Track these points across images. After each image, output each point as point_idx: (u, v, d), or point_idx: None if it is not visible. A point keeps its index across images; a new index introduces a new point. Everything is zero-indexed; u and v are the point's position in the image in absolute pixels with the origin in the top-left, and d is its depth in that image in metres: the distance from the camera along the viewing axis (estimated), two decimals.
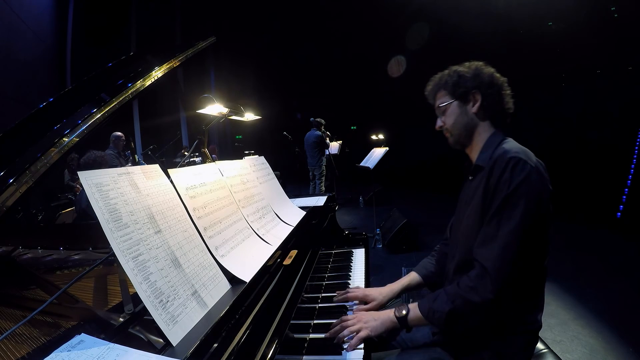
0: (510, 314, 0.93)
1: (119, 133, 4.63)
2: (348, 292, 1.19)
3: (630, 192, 4.96)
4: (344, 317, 1.01)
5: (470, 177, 1.07)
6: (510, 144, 0.97)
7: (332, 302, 1.20)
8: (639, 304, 2.46)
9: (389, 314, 0.99)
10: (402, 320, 0.97)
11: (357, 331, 0.95)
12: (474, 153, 1.06)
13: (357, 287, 1.24)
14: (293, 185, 6.97)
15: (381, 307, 1.17)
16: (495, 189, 0.90)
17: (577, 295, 2.58)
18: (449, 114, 1.06)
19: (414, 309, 0.97)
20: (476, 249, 0.92)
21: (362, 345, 0.94)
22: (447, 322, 0.90)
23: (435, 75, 1.12)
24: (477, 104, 1.03)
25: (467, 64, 1.07)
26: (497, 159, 0.92)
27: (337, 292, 1.20)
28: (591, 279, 2.86)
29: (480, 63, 1.06)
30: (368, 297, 1.17)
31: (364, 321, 0.98)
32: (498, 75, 1.05)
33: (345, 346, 0.93)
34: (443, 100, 1.07)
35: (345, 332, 0.95)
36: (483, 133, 1.05)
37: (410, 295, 2.30)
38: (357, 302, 1.18)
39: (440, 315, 0.91)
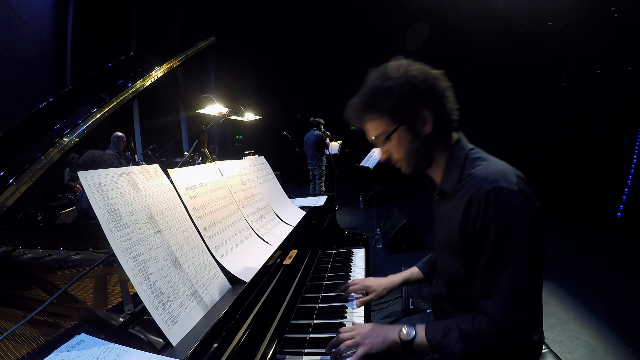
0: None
1: (120, 133, 4.63)
2: (348, 286, 1.21)
3: (630, 192, 4.96)
4: (341, 329, 0.92)
5: (437, 197, 0.97)
6: (482, 166, 0.82)
7: (332, 302, 1.20)
8: (639, 304, 2.46)
9: (392, 334, 0.88)
10: (407, 344, 0.86)
11: (356, 346, 0.87)
12: (437, 174, 0.93)
13: (358, 279, 1.25)
14: (293, 185, 6.97)
15: (382, 297, 1.19)
16: (481, 231, 0.77)
17: (577, 295, 2.57)
18: (396, 143, 0.88)
19: (420, 335, 0.85)
20: (478, 301, 0.80)
21: None
22: None
23: (358, 94, 0.89)
24: (429, 124, 0.85)
25: (387, 68, 0.86)
26: (472, 193, 0.78)
27: (337, 288, 1.22)
28: (591, 279, 2.85)
29: (404, 63, 0.86)
30: (369, 289, 1.19)
31: (364, 336, 0.88)
32: (432, 72, 0.85)
33: None
34: (383, 130, 0.87)
35: (342, 347, 0.87)
36: (443, 150, 0.90)
37: (409, 293, 2.30)
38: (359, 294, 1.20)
39: (450, 353, 0.80)
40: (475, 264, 0.81)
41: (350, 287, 1.20)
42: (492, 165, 0.82)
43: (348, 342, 0.88)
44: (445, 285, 0.96)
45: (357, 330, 0.90)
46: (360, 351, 0.86)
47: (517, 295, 0.75)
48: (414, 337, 0.85)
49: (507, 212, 0.74)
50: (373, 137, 0.92)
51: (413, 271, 1.26)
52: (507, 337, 0.76)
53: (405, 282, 1.25)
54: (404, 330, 0.87)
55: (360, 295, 1.19)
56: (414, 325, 0.88)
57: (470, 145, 0.91)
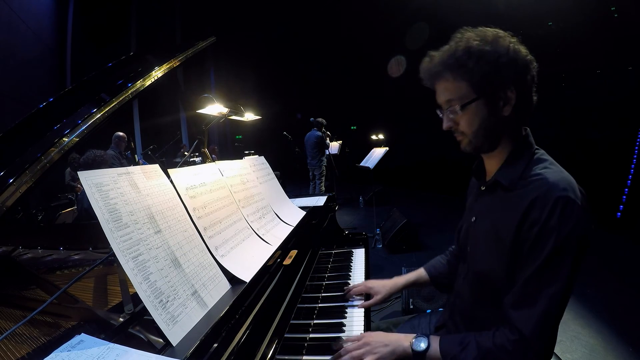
0: None
1: (121, 133, 4.64)
2: (351, 288, 1.19)
3: (630, 192, 4.96)
4: (348, 338, 0.88)
5: (483, 187, 0.91)
6: (553, 170, 0.76)
7: (332, 302, 1.20)
8: (639, 304, 2.46)
9: (402, 343, 0.83)
10: (419, 355, 0.80)
11: (363, 356, 0.82)
12: (494, 162, 0.86)
13: (361, 282, 1.21)
14: (293, 185, 6.97)
15: (385, 301, 1.16)
16: (539, 237, 0.71)
17: (577, 295, 2.58)
18: (470, 115, 0.79)
19: (435, 347, 0.80)
20: (511, 309, 0.75)
21: None
22: None
23: (443, 48, 0.80)
24: (511, 105, 0.77)
25: (488, 34, 0.76)
26: (539, 194, 0.72)
27: (340, 290, 1.20)
28: (591, 279, 2.86)
29: (510, 37, 0.77)
30: (372, 291, 1.16)
31: (372, 347, 0.83)
32: (530, 57, 0.78)
33: None
34: (461, 96, 0.78)
35: (348, 357, 0.82)
36: (510, 139, 0.82)
37: (410, 293, 2.30)
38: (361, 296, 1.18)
39: None
40: (517, 269, 0.75)
41: (353, 290, 1.17)
42: (563, 173, 0.76)
43: (355, 353, 0.83)
44: (471, 283, 0.91)
45: (364, 340, 0.85)
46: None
47: (552, 315, 0.72)
48: (427, 349, 0.80)
49: (571, 225, 0.70)
50: (444, 100, 0.82)
51: (419, 274, 1.21)
52: (526, 355, 0.72)
53: (411, 285, 1.21)
54: (417, 340, 0.82)
55: (362, 298, 1.17)
56: (427, 336, 0.83)
57: (535, 145, 0.84)
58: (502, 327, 0.76)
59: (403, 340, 0.84)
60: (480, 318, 0.89)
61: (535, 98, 0.81)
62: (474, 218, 0.93)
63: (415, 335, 0.83)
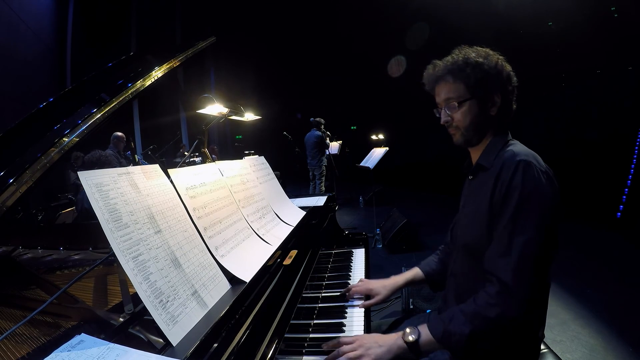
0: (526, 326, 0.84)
1: (120, 133, 4.64)
2: (351, 288, 1.19)
3: (630, 192, 4.97)
4: (342, 340, 0.89)
5: (470, 177, 1.04)
6: (519, 147, 0.92)
7: (332, 302, 1.20)
8: (639, 304, 2.46)
9: (395, 340, 0.86)
10: (413, 346, 0.84)
11: (358, 358, 0.83)
12: (478, 153, 1.00)
13: (360, 281, 1.23)
14: (293, 185, 6.97)
15: (385, 300, 1.18)
16: (506, 194, 0.83)
17: (577, 295, 2.58)
18: (465, 112, 0.95)
19: (425, 332, 0.84)
20: (490, 262, 0.83)
21: None
22: (468, 346, 0.79)
23: (446, 58, 0.98)
24: (497, 107, 0.95)
25: (482, 51, 0.96)
26: (505, 160, 0.87)
27: (346, 291, 1.20)
28: (591, 279, 2.86)
29: (498, 55, 0.96)
30: (372, 292, 1.17)
31: (366, 347, 0.85)
32: (513, 73, 0.97)
33: None
34: (458, 95, 0.95)
35: (343, 358, 0.84)
36: (492, 134, 0.99)
37: (409, 293, 2.30)
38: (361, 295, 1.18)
39: (458, 339, 0.79)
40: (494, 229, 0.86)
41: (353, 289, 1.19)
42: (528, 149, 0.91)
43: (350, 355, 0.84)
44: (462, 258, 0.99)
45: (358, 342, 0.87)
46: None
47: (527, 261, 0.78)
48: (419, 336, 0.84)
49: (531, 183, 0.81)
50: (444, 99, 0.98)
51: (416, 272, 1.25)
52: (509, 303, 0.77)
53: (409, 284, 1.24)
54: (408, 332, 0.86)
55: (362, 297, 1.18)
56: (416, 327, 0.87)
57: (513, 139, 0.99)
58: (481, 290, 0.83)
59: (396, 338, 0.87)
60: (471, 290, 0.90)
61: (514, 106, 0.99)
62: (463, 204, 1.06)
63: (404, 330, 0.87)
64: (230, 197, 1.17)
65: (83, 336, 0.58)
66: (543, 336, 0.95)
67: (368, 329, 1.06)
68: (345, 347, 0.86)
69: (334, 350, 0.87)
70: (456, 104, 0.95)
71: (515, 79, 0.97)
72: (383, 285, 1.19)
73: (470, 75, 0.93)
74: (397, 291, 1.22)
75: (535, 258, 0.79)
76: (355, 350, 0.84)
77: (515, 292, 0.77)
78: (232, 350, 0.63)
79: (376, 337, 0.89)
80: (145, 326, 0.72)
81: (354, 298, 1.18)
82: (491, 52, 0.97)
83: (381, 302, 1.18)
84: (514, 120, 1.01)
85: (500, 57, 0.97)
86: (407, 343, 0.84)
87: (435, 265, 1.24)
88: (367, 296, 1.18)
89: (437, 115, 1.02)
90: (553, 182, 0.84)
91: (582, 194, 5.09)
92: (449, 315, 0.84)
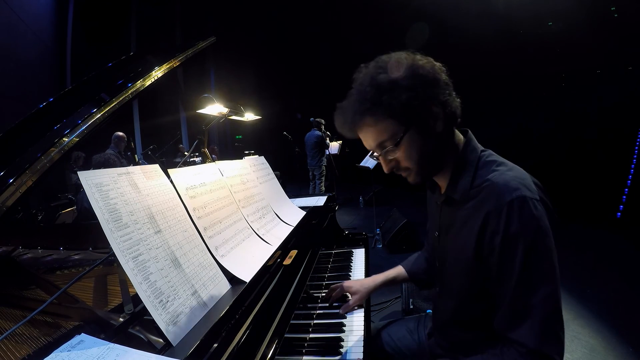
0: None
1: (121, 133, 4.64)
2: (331, 291, 1.17)
3: (630, 192, 4.97)
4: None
5: (438, 202, 0.87)
6: (500, 171, 0.72)
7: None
8: (639, 304, 2.46)
9: None
10: None
11: None
12: (442, 177, 0.83)
13: (339, 284, 1.18)
14: (293, 185, 6.96)
15: (363, 299, 1.14)
16: (505, 247, 0.68)
17: (577, 295, 2.58)
18: (408, 148, 0.74)
19: None
20: (508, 332, 0.70)
21: (361, 346, 0.94)
22: None
23: (350, 94, 0.76)
24: (441, 119, 0.74)
25: (387, 62, 0.73)
26: (492, 197, 0.69)
27: (333, 291, 1.18)
28: (591, 279, 2.86)
29: (403, 54, 0.75)
30: (350, 290, 1.15)
31: None
32: (438, 65, 0.75)
33: None
34: (392, 133, 0.73)
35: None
36: (451, 151, 0.79)
37: (409, 293, 2.30)
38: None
39: None
40: (495, 285, 0.71)
41: (333, 294, 1.16)
42: (511, 171, 0.73)
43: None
44: (454, 303, 0.86)
45: None
46: None
47: (552, 316, 0.68)
48: None
49: (534, 225, 0.66)
50: (376, 144, 0.77)
51: (398, 271, 1.22)
52: None
53: (390, 282, 1.21)
54: None
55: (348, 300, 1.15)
56: None
57: (481, 147, 0.80)
58: (509, 345, 0.71)
59: None
60: (463, 340, 0.87)
61: (458, 100, 0.77)
62: (437, 233, 0.90)
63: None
64: (230, 197, 1.17)
65: (83, 336, 0.58)
66: None
67: (368, 329, 1.06)
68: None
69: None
70: (392, 147, 0.75)
71: (439, 67, 0.76)
72: (361, 284, 1.16)
73: (392, 104, 0.70)
74: (378, 289, 1.17)
75: (558, 307, 0.68)
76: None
77: (547, 352, 0.66)
78: (232, 350, 0.63)
79: None
80: (145, 326, 0.72)
81: (337, 302, 1.16)
82: (397, 56, 0.75)
83: (360, 302, 1.14)
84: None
85: (411, 56, 0.75)
86: None
87: (421, 265, 1.22)
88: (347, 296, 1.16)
89: (376, 161, 0.83)
90: (547, 206, 0.70)
91: (582, 194, 5.09)
92: None
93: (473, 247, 0.73)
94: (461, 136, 0.82)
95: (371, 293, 1.17)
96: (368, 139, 0.78)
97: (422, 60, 0.74)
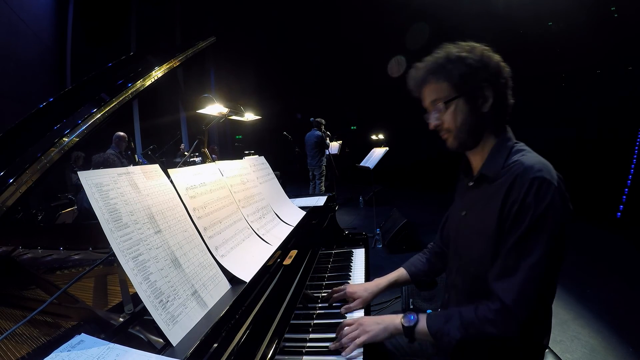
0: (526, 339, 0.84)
1: (122, 133, 4.64)
2: (333, 293, 1.17)
3: (630, 192, 4.97)
4: (344, 322, 0.96)
5: (470, 184, 0.96)
6: (529, 156, 0.83)
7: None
8: (639, 304, 2.46)
9: (394, 321, 0.91)
10: (408, 331, 0.88)
11: (358, 336, 0.90)
12: (478, 158, 0.92)
13: (343, 286, 1.20)
14: (293, 185, 6.97)
15: (366, 303, 1.15)
16: (517, 214, 0.78)
17: (577, 295, 2.57)
18: (453, 112, 0.87)
19: (422, 322, 0.87)
20: (494, 280, 0.81)
21: (361, 350, 0.94)
22: (456, 350, 0.81)
23: (426, 58, 0.91)
24: (490, 102, 0.86)
25: (465, 45, 0.88)
26: (517, 175, 0.80)
27: (334, 291, 1.18)
28: (591, 279, 2.85)
29: (483, 46, 0.88)
30: (353, 295, 1.15)
31: (365, 326, 0.91)
32: (504, 63, 0.89)
33: (343, 353, 0.89)
34: (444, 95, 0.88)
35: (345, 339, 0.90)
36: (491, 135, 0.90)
37: (409, 293, 2.30)
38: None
39: (449, 340, 0.82)
40: (500, 247, 0.81)
41: (335, 295, 1.16)
42: (538, 157, 0.84)
43: (351, 334, 0.90)
44: (465, 272, 0.94)
45: (359, 322, 0.93)
46: (361, 339, 0.89)
47: (531, 284, 0.76)
48: (416, 324, 0.88)
49: (545, 203, 0.75)
50: (430, 101, 0.91)
51: (400, 273, 1.22)
52: (509, 324, 0.76)
53: (393, 285, 1.21)
54: (406, 317, 0.90)
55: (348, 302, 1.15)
56: (416, 313, 0.90)
57: (515, 140, 0.91)
58: (485, 301, 0.81)
59: (394, 318, 0.92)
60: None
61: (512, 101, 0.90)
62: (465, 212, 0.97)
63: (405, 314, 0.91)
64: (230, 197, 1.17)
65: (83, 336, 0.58)
66: (547, 344, 0.93)
67: None
68: (346, 329, 0.93)
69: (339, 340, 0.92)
70: (442, 105, 0.88)
71: (507, 69, 0.89)
72: (364, 288, 1.16)
73: (452, 72, 0.85)
74: (381, 293, 1.19)
75: (540, 281, 0.76)
76: (355, 330, 0.91)
77: (515, 315, 0.76)
78: (232, 350, 0.63)
79: (375, 317, 0.95)
80: (145, 326, 0.72)
81: (338, 302, 1.16)
82: (476, 45, 0.88)
83: (362, 306, 1.15)
84: (513, 120, 0.95)
85: (486, 48, 0.88)
86: (404, 326, 0.89)
87: (421, 265, 1.23)
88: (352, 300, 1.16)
89: (427, 120, 0.94)
90: (564, 196, 0.78)
91: (582, 194, 5.09)
92: (448, 314, 0.86)
93: (497, 216, 0.82)
94: (503, 128, 0.92)
95: (375, 297, 1.17)
96: (427, 96, 0.92)
97: (492, 54, 0.88)
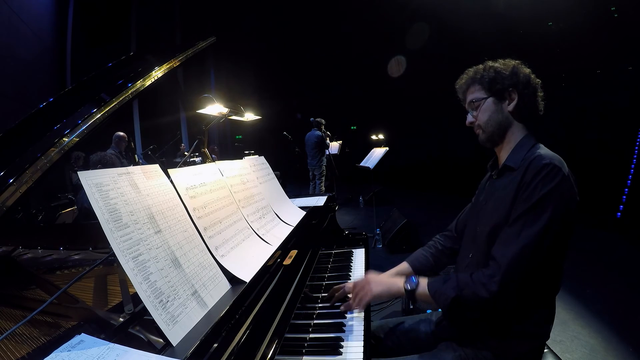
0: (519, 318, 0.93)
1: (122, 133, 4.64)
2: (334, 292, 1.18)
3: (630, 192, 4.97)
4: (354, 282, 1.10)
5: (494, 176, 1.07)
6: (545, 150, 0.95)
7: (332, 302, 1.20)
8: (639, 304, 2.46)
9: (397, 284, 1.02)
10: (410, 293, 0.99)
11: (363, 296, 1.04)
12: (504, 152, 1.05)
13: (345, 284, 1.20)
14: (293, 185, 6.97)
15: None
16: (525, 191, 0.89)
17: (577, 295, 2.58)
18: (483, 110, 1.03)
19: (423, 285, 0.98)
20: (495, 247, 0.92)
21: (361, 346, 0.94)
22: (450, 308, 0.91)
23: (469, 69, 1.09)
24: (514, 103, 1.00)
25: (502, 61, 1.05)
26: (531, 161, 0.91)
27: (335, 289, 1.19)
28: (591, 279, 2.86)
29: (518, 62, 1.05)
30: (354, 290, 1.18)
31: (372, 284, 1.04)
32: (534, 76, 1.03)
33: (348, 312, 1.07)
34: (477, 96, 1.04)
35: (352, 301, 1.05)
36: (516, 133, 1.03)
37: None
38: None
39: (445, 299, 0.92)
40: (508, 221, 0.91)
41: (336, 295, 1.17)
42: (554, 153, 0.94)
43: (359, 293, 1.04)
44: (477, 263, 1.02)
45: (367, 279, 1.08)
46: (365, 298, 1.03)
47: (526, 252, 0.84)
48: (417, 287, 0.98)
49: (552, 183, 0.85)
50: (469, 102, 1.07)
51: (403, 267, 1.25)
52: (497, 286, 0.85)
53: None
54: (409, 280, 1.00)
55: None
56: (417, 277, 1.01)
57: (539, 143, 1.02)
58: (483, 268, 0.91)
59: (398, 281, 1.03)
60: None
61: (540, 106, 1.02)
62: (486, 201, 1.08)
63: (407, 277, 1.02)
64: (230, 197, 1.17)
65: (83, 336, 0.58)
66: (548, 336, 0.96)
67: (368, 328, 1.06)
68: (349, 285, 1.09)
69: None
70: (476, 104, 1.04)
71: (537, 81, 1.02)
72: None
73: (485, 78, 1.02)
74: None
75: (536, 250, 0.84)
76: (362, 290, 1.05)
77: (503, 272, 0.85)
78: (232, 350, 0.63)
79: (380, 277, 1.09)
80: (145, 326, 0.72)
81: (339, 302, 1.16)
82: (512, 61, 1.04)
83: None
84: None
85: (520, 63, 1.03)
86: (407, 290, 0.99)
87: (425, 260, 1.25)
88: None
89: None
90: (572, 186, 0.88)
91: (582, 194, 5.09)
92: (447, 277, 0.96)
93: (511, 197, 0.92)
94: (530, 130, 1.04)
95: None
96: (468, 98, 1.08)
97: (523, 67, 1.03)
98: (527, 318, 0.93)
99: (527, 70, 1.03)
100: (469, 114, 1.08)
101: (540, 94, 1.03)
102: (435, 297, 0.94)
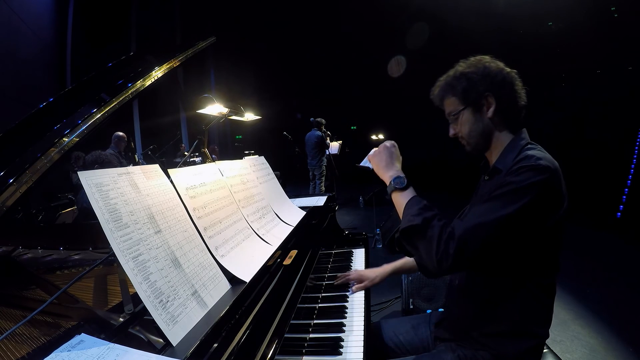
0: (516, 318, 0.91)
1: (121, 133, 4.63)
2: (347, 275, 1.37)
3: (630, 192, 4.97)
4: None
5: (486, 177, 1.04)
6: (538, 151, 0.90)
7: (332, 302, 1.20)
8: (639, 304, 2.46)
9: (389, 172, 1.03)
10: (391, 190, 1.00)
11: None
12: (494, 156, 1.01)
13: (355, 270, 1.41)
14: (293, 185, 6.96)
15: (374, 284, 1.34)
16: (508, 177, 0.85)
17: (577, 295, 2.58)
18: (463, 122, 0.98)
19: (406, 194, 0.96)
20: (456, 219, 0.89)
21: (361, 346, 0.94)
22: (404, 231, 0.90)
23: (440, 78, 1.03)
24: (492, 109, 0.95)
25: (472, 60, 0.99)
26: (519, 161, 0.87)
27: (338, 276, 1.38)
28: (591, 279, 2.86)
29: (487, 58, 0.98)
30: (362, 277, 1.34)
31: (379, 163, 1.08)
32: (507, 69, 0.97)
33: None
34: (454, 109, 0.99)
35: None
36: (503, 136, 0.98)
37: (410, 293, 2.30)
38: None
39: (409, 220, 0.89)
40: None
41: (345, 278, 1.35)
42: (545, 154, 0.90)
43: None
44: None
45: (384, 144, 1.12)
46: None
47: (484, 228, 0.80)
48: (401, 190, 0.97)
49: (531, 181, 0.81)
50: (447, 114, 1.03)
51: (405, 261, 1.35)
52: (448, 249, 0.80)
53: (398, 271, 1.38)
54: (399, 179, 0.99)
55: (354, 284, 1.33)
56: (408, 185, 0.99)
57: (529, 140, 0.98)
58: (449, 226, 0.86)
59: (392, 174, 1.02)
60: (475, 290, 0.98)
61: (522, 103, 0.98)
62: (475, 201, 1.07)
63: (399, 176, 1.00)
64: (230, 197, 1.17)
65: (83, 336, 0.58)
66: (547, 336, 0.96)
67: (368, 328, 1.06)
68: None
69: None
70: (454, 117, 1.00)
71: (512, 74, 0.96)
72: (373, 272, 1.36)
73: (457, 88, 0.97)
74: (387, 277, 1.37)
75: (496, 232, 0.80)
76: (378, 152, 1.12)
77: (457, 244, 0.79)
78: (232, 350, 0.63)
79: (388, 161, 1.07)
80: (145, 326, 0.72)
81: (351, 287, 1.32)
82: (483, 58, 0.98)
83: (371, 285, 1.34)
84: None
85: (490, 60, 0.97)
86: (391, 183, 1.00)
87: None
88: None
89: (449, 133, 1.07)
90: (557, 188, 0.83)
91: (582, 194, 5.09)
92: (427, 206, 0.91)
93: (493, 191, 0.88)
94: (517, 129, 1.00)
95: (382, 280, 1.35)
96: (445, 109, 1.03)
97: (495, 63, 0.97)
98: (526, 318, 0.91)
99: (500, 65, 0.97)
100: (450, 127, 1.04)
101: (519, 85, 0.97)
102: (404, 211, 0.92)
